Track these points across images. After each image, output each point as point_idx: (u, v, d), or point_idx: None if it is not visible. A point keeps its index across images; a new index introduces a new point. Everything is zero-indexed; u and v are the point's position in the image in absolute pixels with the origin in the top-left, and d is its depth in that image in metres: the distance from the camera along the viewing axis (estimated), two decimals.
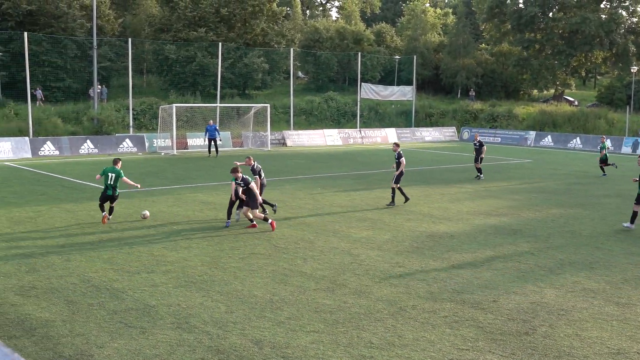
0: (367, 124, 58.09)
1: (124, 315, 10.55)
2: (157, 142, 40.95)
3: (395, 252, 15.15)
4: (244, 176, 17.46)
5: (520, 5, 69.96)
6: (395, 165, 22.24)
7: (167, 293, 11.74)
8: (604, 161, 32.07)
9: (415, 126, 59.12)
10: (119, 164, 18.50)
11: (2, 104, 45.71)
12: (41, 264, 13.55)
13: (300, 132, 49.06)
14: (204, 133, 40.17)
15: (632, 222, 18.48)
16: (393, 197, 21.87)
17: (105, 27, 56.13)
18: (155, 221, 18.18)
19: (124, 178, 18.32)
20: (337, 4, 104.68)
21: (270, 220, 17.30)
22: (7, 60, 48.08)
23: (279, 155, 39.84)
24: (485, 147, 29.97)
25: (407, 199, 22.01)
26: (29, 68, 40.05)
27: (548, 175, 31.39)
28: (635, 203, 18.38)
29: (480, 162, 29.82)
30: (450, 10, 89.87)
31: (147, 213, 18.63)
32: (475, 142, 29.96)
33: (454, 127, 59.07)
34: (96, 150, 38.34)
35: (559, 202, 23.14)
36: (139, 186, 19.58)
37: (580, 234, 17.67)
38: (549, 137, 52.71)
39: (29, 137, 37.93)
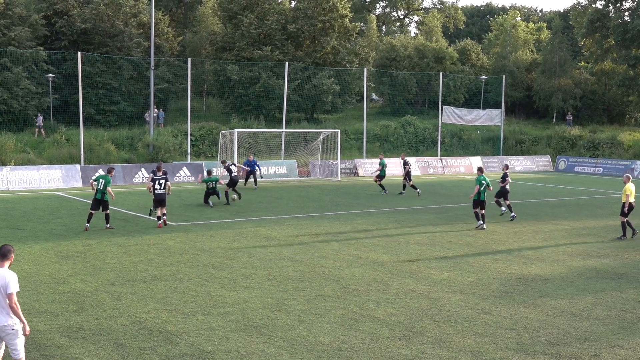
0: (449, 151, 57.68)
1: None
2: (216, 171, 41.63)
3: (481, 297, 14.90)
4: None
5: (626, 18, 68.60)
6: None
7: (225, 338, 11.83)
8: (381, 177, 36.44)
9: (504, 154, 58.37)
10: (112, 173, 23.64)
11: (52, 128, 47.39)
12: (90, 302, 13.87)
13: (374, 160, 49.04)
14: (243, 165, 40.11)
15: (483, 220, 24.47)
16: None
17: (163, 46, 57.78)
18: (213, 258, 18.42)
19: (109, 188, 22.73)
20: (416, 19, 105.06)
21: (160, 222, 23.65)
22: (60, 82, 49.94)
23: (350, 186, 39.89)
24: (408, 166, 36.21)
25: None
26: (82, 90, 41.47)
27: None
28: (475, 207, 24.71)
29: (409, 180, 35.65)
30: (545, 25, 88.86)
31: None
32: (401, 160, 36.74)
33: (549, 156, 58.04)
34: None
35: None
36: (113, 197, 23.80)
37: None
38: None
39: (80, 164, 39.12)
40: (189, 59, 45.52)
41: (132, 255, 18.56)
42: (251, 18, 59.46)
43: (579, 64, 78.86)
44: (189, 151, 44.67)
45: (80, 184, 36.46)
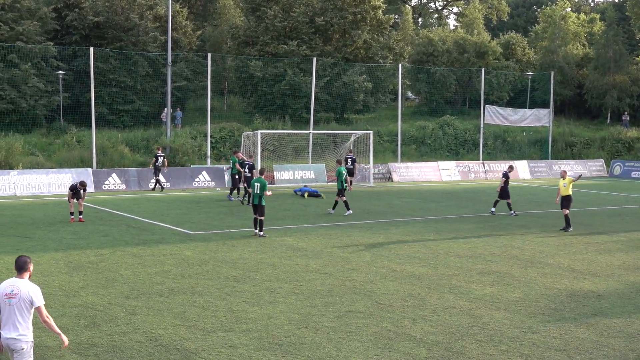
0: (492, 155, 57.35)
1: None
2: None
3: (527, 315, 14.78)
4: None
5: None
6: None
7: (248, 356, 11.84)
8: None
9: (552, 158, 57.91)
10: (264, 175, 25.03)
11: (63, 129, 47.82)
12: (102, 317, 13.97)
13: (409, 164, 48.94)
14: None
15: (334, 208, 30.12)
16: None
17: (181, 40, 58.14)
18: (234, 270, 18.46)
19: (266, 191, 23.78)
20: (455, 10, 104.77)
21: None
22: (70, 80, 50.38)
23: (383, 192, 39.82)
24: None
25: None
26: (94, 88, 41.79)
27: None
28: (339, 195, 29.90)
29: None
30: (598, 16, 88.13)
31: None
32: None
33: (602, 160, 57.48)
34: (168, 185, 39.39)
35: None
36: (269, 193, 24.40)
37: None
38: None
39: (92, 168, 39.43)
40: (209, 55, 45.76)
41: (148, 267, 18.66)
42: (276, 10, 59.61)
43: (636, 58, 78.05)
44: (208, 154, 44.87)
45: (92, 189, 36.67)
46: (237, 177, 34.58)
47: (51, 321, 9.38)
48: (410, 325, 13.80)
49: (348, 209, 29.62)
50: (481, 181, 49.12)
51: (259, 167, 35.24)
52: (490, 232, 25.80)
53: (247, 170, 33.02)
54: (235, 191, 34.80)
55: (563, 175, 27.30)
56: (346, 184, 30.48)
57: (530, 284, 17.55)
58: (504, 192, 30.42)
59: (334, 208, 30.12)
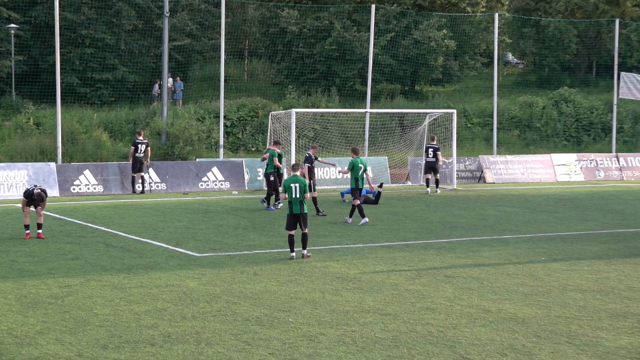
0: (630, 144, 56.82)
1: None
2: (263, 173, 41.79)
3: None
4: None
5: None
6: None
7: None
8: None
9: None
10: (299, 171, 24.58)
11: (15, 107, 48.13)
12: None
13: (509, 158, 48.65)
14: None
15: (350, 215, 31.43)
16: None
17: None
18: (258, 308, 18.43)
19: (307, 194, 23.98)
20: None
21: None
22: (27, 38, 50.78)
23: (472, 197, 39.62)
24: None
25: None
26: (60, 49, 42.02)
27: None
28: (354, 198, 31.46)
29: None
30: None
31: None
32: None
33: None
34: (163, 186, 39.54)
35: None
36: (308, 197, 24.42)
37: None
38: None
39: (56, 162, 39.66)
40: (223, 1, 45.82)
41: (134, 303, 18.71)
42: None
43: None
44: (221, 142, 44.92)
45: (56, 192, 36.93)
46: (272, 178, 34.52)
47: None
48: None
49: (350, 216, 31.87)
50: (614, 182, 48.69)
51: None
52: (628, 257, 25.53)
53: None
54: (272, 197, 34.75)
55: None
56: (364, 186, 32.21)
57: None
58: None
59: (359, 215, 31.03)
